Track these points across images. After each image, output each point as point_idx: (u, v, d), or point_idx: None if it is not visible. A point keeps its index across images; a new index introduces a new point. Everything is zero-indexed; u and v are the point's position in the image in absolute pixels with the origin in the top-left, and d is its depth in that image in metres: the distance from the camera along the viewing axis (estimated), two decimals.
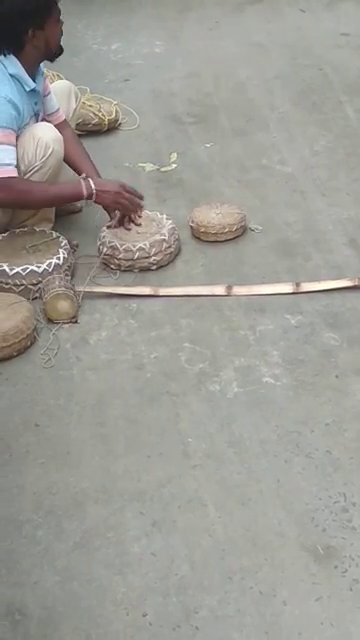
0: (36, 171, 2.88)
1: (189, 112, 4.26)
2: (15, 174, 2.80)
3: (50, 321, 2.69)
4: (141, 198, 3.06)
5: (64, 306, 2.68)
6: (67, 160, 3.10)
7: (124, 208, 2.98)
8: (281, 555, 1.88)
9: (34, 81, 2.88)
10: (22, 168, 2.88)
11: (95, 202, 2.94)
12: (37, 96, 2.94)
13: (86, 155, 3.14)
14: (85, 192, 2.87)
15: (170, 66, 4.87)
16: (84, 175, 2.94)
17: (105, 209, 3.06)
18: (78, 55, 5.04)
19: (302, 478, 2.08)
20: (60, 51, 2.94)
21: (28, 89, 2.84)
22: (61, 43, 2.92)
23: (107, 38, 5.40)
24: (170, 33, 5.40)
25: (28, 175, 2.90)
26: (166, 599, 1.80)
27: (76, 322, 2.69)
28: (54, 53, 2.92)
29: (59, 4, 2.87)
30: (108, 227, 3.01)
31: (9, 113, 2.76)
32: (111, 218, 3.04)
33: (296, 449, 2.16)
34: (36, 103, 2.95)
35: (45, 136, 2.87)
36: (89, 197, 2.90)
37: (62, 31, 2.91)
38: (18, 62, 2.81)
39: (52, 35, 2.85)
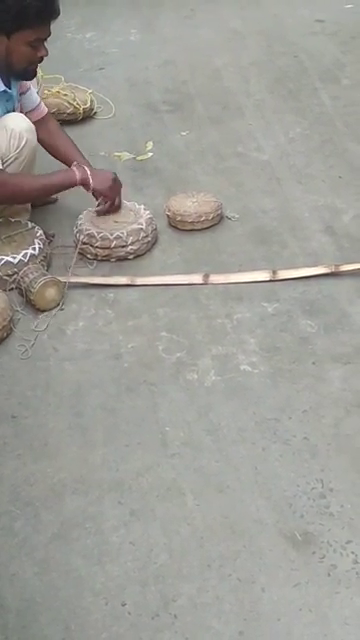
0: (11, 162, 2.85)
1: (165, 100, 4.24)
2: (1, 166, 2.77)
3: (39, 311, 2.67)
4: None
5: (51, 293, 2.68)
6: (55, 152, 3.09)
7: (112, 197, 2.98)
8: (259, 542, 1.89)
9: (8, 86, 2.84)
10: None
11: (93, 188, 2.91)
12: (8, 95, 2.89)
13: (73, 145, 3.11)
14: (79, 177, 2.87)
15: (145, 54, 4.84)
16: (76, 163, 2.93)
17: (94, 194, 3.01)
18: (52, 43, 4.91)
19: (280, 465, 2.08)
20: (27, 75, 2.88)
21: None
22: (30, 68, 2.83)
23: (82, 26, 5.35)
24: (145, 21, 5.37)
25: (4, 167, 2.87)
26: (145, 588, 1.80)
27: (61, 309, 2.69)
28: (16, 72, 2.81)
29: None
30: (97, 212, 2.98)
31: None
32: (99, 203, 3.01)
33: (274, 436, 2.17)
34: (7, 100, 2.90)
35: (18, 127, 2.84)
36: (83, 182, 2.89)
37: (36, 61, 2.82)
38: None
39: (16, 51, 2.74)
